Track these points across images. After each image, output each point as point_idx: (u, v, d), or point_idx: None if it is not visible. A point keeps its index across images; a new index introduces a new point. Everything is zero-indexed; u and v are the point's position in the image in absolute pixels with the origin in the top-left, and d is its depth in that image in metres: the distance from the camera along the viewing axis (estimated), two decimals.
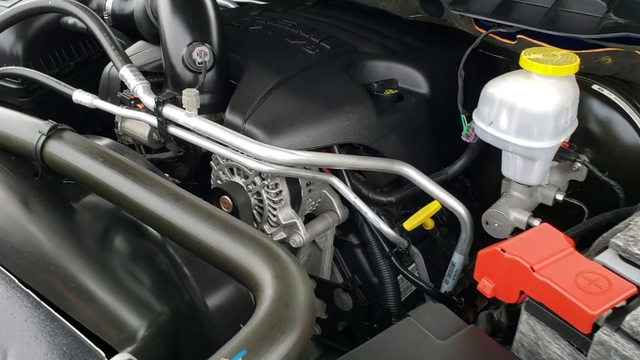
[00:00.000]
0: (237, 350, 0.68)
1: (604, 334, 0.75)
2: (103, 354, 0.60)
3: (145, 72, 1.46)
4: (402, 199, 1.41)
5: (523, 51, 1.16)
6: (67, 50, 1.85)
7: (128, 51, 1.58)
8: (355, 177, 1.41)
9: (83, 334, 0.65)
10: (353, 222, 1.45)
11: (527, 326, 0.86)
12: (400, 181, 1.44)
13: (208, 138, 1.24)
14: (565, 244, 0.88)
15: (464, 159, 1.39)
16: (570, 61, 1.13)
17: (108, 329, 0.67)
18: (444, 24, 1.55)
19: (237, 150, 1.22)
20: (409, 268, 1.46)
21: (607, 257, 0.88)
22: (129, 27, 1.73)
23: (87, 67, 1.89)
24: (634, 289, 0.81)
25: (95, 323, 0.67)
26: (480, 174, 1.57)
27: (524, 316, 0.86)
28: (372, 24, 1.72)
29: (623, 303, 0.80)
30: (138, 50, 1.57)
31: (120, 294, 0.79)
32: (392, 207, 1.52)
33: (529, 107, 1.13)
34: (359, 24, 1.70)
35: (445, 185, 1.38)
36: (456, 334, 0.86)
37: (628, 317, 0.75)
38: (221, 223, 0.87)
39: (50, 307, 0.66)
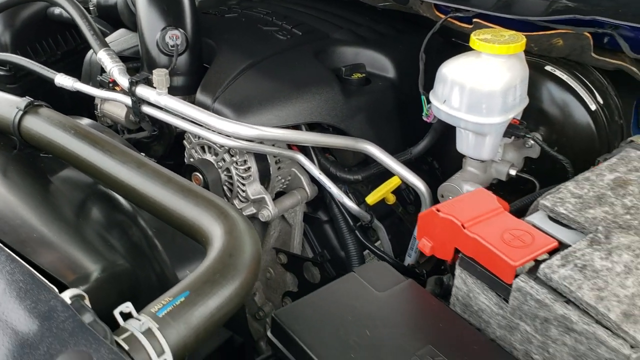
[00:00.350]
0: (181, 291, 0.75)
1: (521, 281, 0.82)
2: (55, 289, 0.68)
3: (125, 58, 1.54)
4: (368, 177, 1.48)
5: (473, 32, 1.22)
6: (54, 40, 1.93)
7: (109, 38, 1.66)
8: (325, 157, 1.48)
9: (43, 277, 0.72)
10: (322, 199, 1.52)
11: (460, 280, 0.92)
12: (368, 161, 1.51)
13: (179, 116, 1.31)
14: (497, 205, 0.95)
15: (427, 139, 1.46)
16: (516, 40, 1.19)
17: (64, 271, 0.75)
18: (410, 12, 1.62)
19: (206, 127, 1.29)
20: (376, 244, 1.53)
21: (537, 218, 0.95)
22: (113, 18, 1.81)
23: (74, 56, 1.96)
24: (555, 244, 0.88)
25: (54, 266, 0.74)
26: (446, 156, 1.63)
27: (458, 271, 0.93)
28: (346, 12, 1.79)
29: (545, 256, 0.87)
30: (118, 37, 1.65)
31: (82, 246, 0.86)
32: (362, 187, 1.59)
33: (477, 84, 1.20)
34: (333, 13, 1.77)
35: (411, 165, 1.45)
36: (394, 287, 0.93)
37: (543, 266, 0.82)
38: (178, 187, 0.94)
39: (12, 252, 0.73)
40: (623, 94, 1.45)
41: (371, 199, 1.38)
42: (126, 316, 0.72)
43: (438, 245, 0.96)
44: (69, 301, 0.67)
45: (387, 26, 1.74)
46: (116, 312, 0.70)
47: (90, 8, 1.94)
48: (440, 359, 0.81)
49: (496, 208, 0.94)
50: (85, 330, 0.64)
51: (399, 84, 1.58)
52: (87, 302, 0.69)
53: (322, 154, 1.47)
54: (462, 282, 0.92)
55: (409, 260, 1.48)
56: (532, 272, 0.84)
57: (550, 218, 0.94)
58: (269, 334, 0.90)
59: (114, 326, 0.70)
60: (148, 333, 0.69)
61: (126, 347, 0.67)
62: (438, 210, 0.94)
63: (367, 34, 1.67)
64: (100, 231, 1.03)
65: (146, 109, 1.35)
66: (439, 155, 1.67)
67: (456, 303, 0.95)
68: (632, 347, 0.73)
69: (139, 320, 0.70)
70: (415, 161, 1.50)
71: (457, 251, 0.94)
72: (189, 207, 0.91)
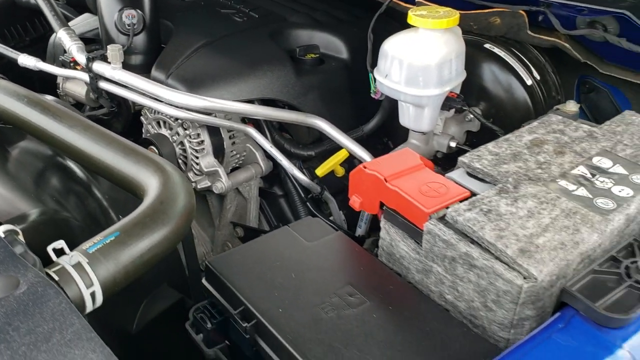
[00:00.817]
0: (112, 232, 0.81)
1: (431, 224, 0.88)
2: None
3: (87, 39, 1.60)
4: (321, 153, 1.54)
5: (410, 9, 1.29)
6: (22, 26, 1.98)
7: (73, 22, 1.71)
8: (280, 134, 1.55)
9: None
10: (278, 175, 1.58)
11: (384, 231, 0.99)
12: (322, 139, 1.58)
13: (134, 91, 1.37)
14: (419, 163, 1.02)
15: (377, 117, 1.53)
16: (450, 16, 1.26)
17: (2, 212, 0.80)
18: None
19: (158, 100, 1.35)
20: (331, 218, 1.59)
21: (456, 174, 1.02)
22: (82, 5, 1.87)
23: (42, 42, 2.01)
24: (468, 194, 0.95)
25: None
26: (397, 134, 1.70)
27: (382, 222, 0.99)
28: None
29: (457, 204, 0.93)
30: (82, 20, 1.71)
31: (25, 195, 0.92)
32: (316, 163, 1.65)
33: (414, 59, 1.27)
34: None
35: (367, 144, 1.51)
36: (323, 238, 1.00)
37: (450, 209, 0.89)
38: (120, 147, 1.00)
39: None
40: (564, 72, 1.53)
41: (320, 170, 1.45)
42: (60, 253, 0.77)
43: (366, 200, 1.03)
44: (2, 234, 0.72)
45: (344, 12, 1.81)
46: (49, 249, 0.76)
47: None
48: (357, 296, 0.87)
49: (418, 165, 1.01)
50: (15, 259, 0.70)
51: (352, 65, 1.64)
52: (20, 237, 0.75)
53: (277, 132, 1.53)
54: (386, 233, 0.98)
55: (359, 231, 1.54)
56: (443, 217, 0.91)
57: (468, 174, 1.01)
58: (203, 281, 0.95)
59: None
60: (78, 267, 0.75)
61: (56, 278, 0.73)
62: (365, 167, 1.00)
63: (323, 18, 1.74)
64: (52, 193, 1.08)
65: (103, 84, 1.41)
66: (392, 134, 1.73)
67: (382, 253, 1.01)
68: (525, 278, 0.79)
69: (70, 255, 0.76)
70: (370, 141, 1.57)
71: (382, 205, 1.00)
72: (129, 165, 0.97)
